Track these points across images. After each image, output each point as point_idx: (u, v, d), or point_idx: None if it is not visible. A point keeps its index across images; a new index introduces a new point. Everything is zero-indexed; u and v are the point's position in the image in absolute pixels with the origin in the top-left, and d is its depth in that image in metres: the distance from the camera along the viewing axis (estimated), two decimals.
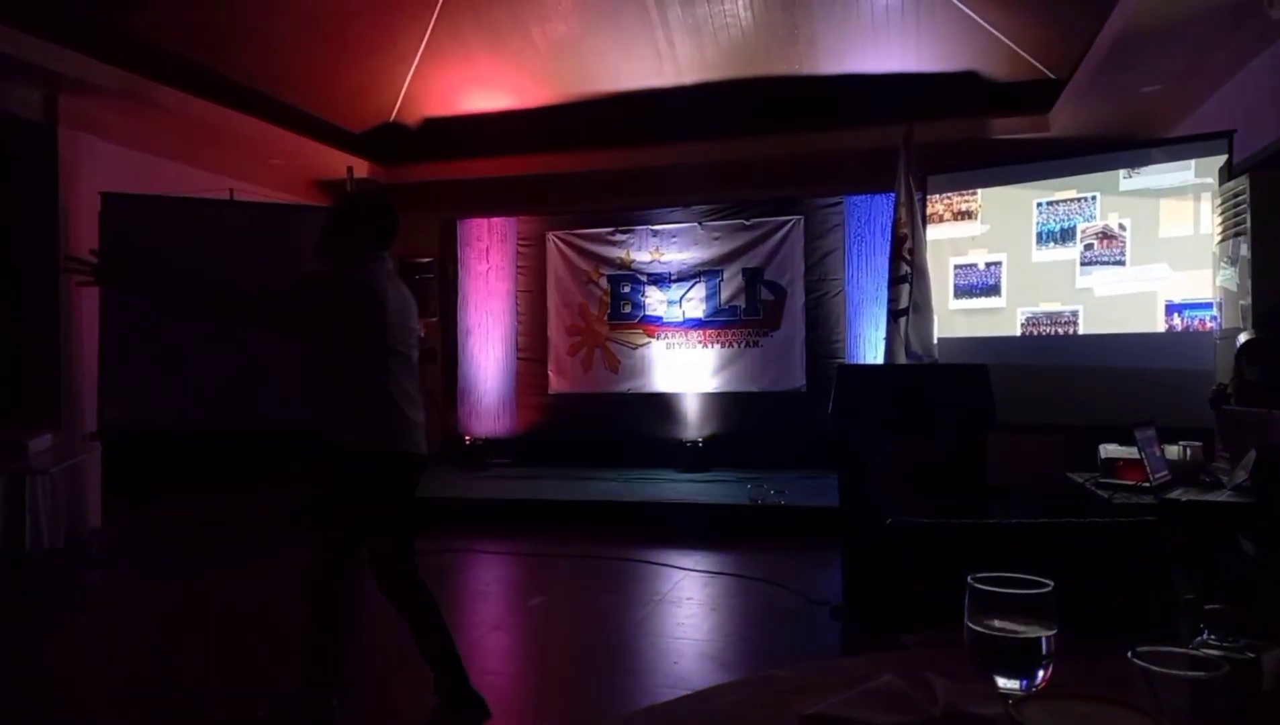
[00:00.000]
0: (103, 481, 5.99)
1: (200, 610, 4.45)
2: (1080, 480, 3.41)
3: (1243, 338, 3.58)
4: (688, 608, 4.37)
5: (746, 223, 7.91)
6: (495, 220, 8.55)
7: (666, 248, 8.10)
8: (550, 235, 8.36)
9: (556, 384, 8.34)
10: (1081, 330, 5.34)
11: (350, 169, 6.93)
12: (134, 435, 5.98)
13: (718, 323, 7.97)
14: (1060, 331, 5.43)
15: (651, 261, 8.13)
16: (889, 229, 5.98)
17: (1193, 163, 4.92)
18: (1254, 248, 3.76)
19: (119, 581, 5.15)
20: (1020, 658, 0.88)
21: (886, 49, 6.46)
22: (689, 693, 1.13)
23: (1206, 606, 0.96)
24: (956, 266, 5.91)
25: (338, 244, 2.87)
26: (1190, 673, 0.79)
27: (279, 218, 6.90)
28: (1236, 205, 3.93)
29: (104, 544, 5.69)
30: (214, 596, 4.69)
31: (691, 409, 8.02)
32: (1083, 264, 5.35)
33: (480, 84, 7.23)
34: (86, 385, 5.92)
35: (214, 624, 4.21)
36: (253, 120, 6.53)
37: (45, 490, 5.31)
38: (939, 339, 5.64)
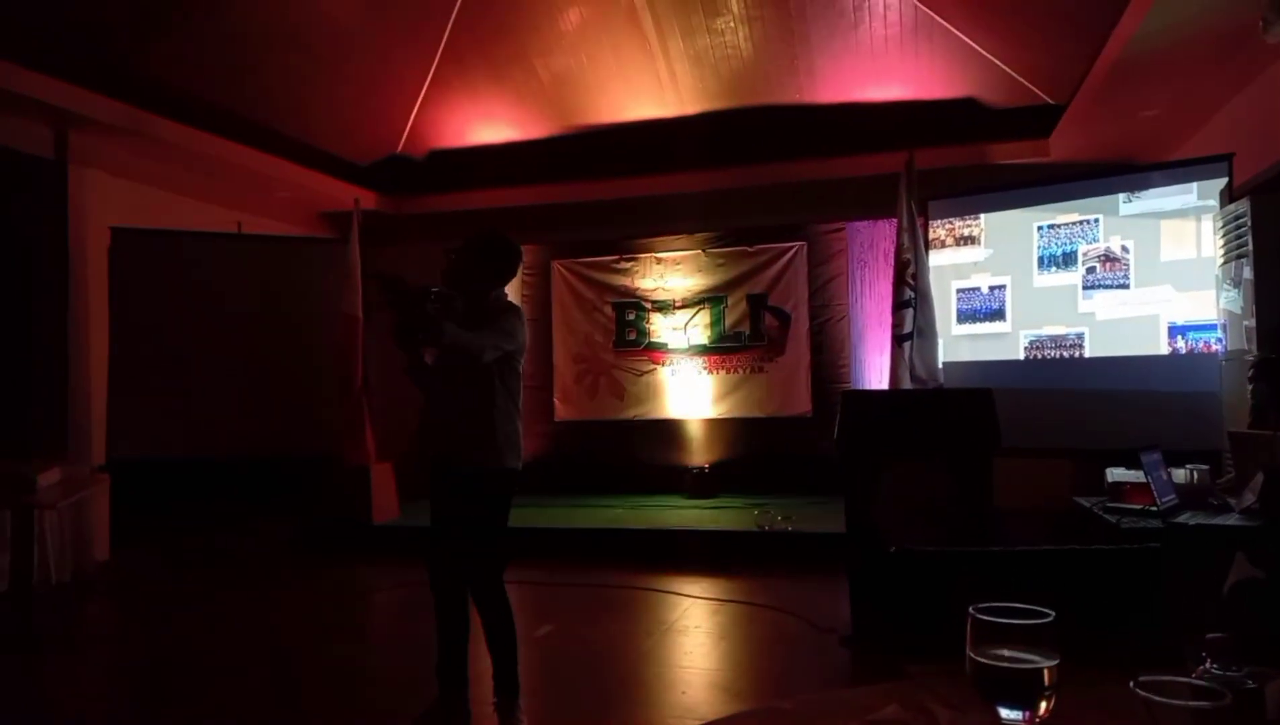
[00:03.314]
0: (110, 514, 6.00)
1: (206, 645, 4.44)
2: (1088, 504, 3.40)
3: (1250, 357, 3.58)
4: (695, 636, 4.35)
5: (750, 249, 7.95)
6: None
7: (671, 275, 8.13)
8: (555, 264, 8.41)
9: (563, 412, 8.35)
10: (1086, 353, 5.34)
11: (357, 201, 7.01)
12: (141, 467, 6.00)
13: (722, 349, 7.99)
14: (1064, 355, 5.43)
15: (656, 288, 8.16)
16: (892, 254, 6.02)
17: (1194, 186, 4.95)
18: (1257, 269, 3.77)
19: (126, 616, 5.15)
20: (1022, 688, 0.88)
21: (886, 77, 6.53)
22: (698, 723, 1.13)
23: (1209, 635, 0.96)
24: (959, 291, 5.93)
25: (473, 277, 3.12)
26: (1193, 702, 0.79)
27: (287, 250, 6.98)
28: (1238, 228, 3.95)
29: (112, 578, 5.70)
30: (220, 630, 4.68)
31: (697, 435, 8.01)
32: (1085, 287, 5.36)
33: (485, 116, 7.32)
34: (95, 418, 5.95)
35: (219, 659, 4.20)
36: (259, 154, 6.61)
37: (53, 525, 5.32)
38: (943, 363, 5.65)
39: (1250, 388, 3.41)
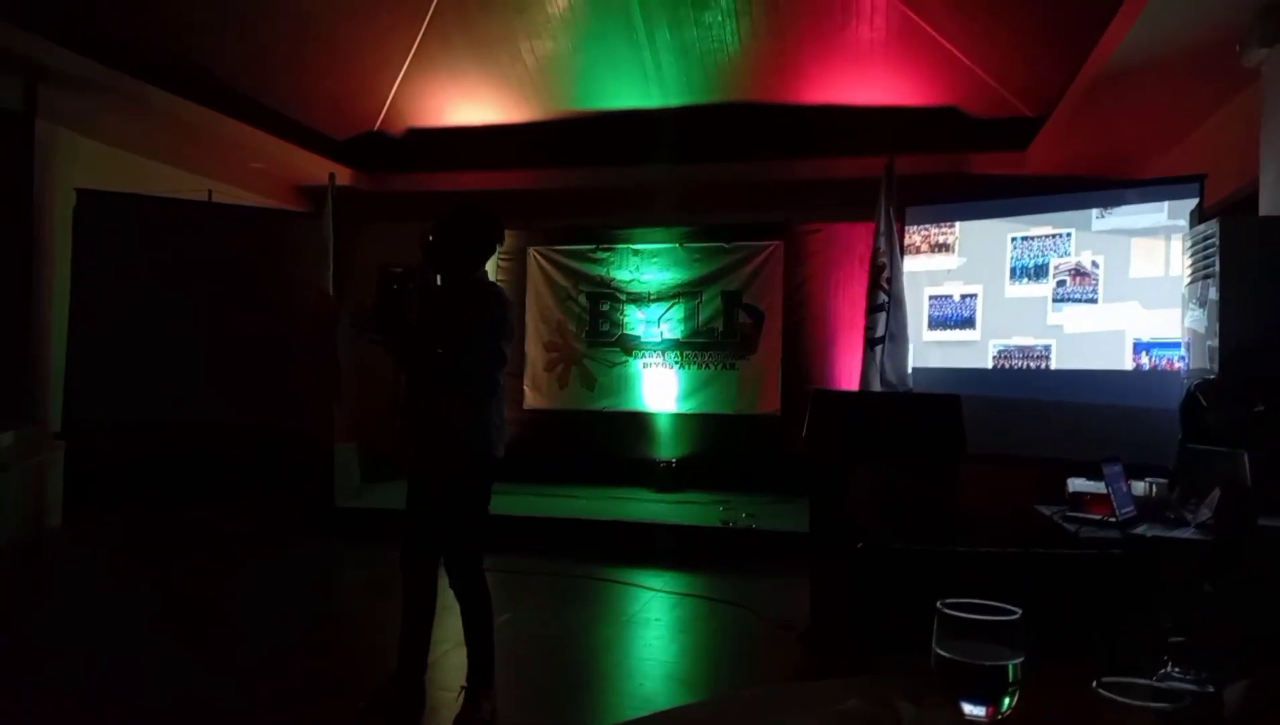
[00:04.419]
0: (65, 482, 5.87)
1: (155, 615, 4.36)
2: (1048, 512, 3.43)
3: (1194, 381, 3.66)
4: (655, 628, 4.35)
5: (727, 246, 7.96)
6: None
7: (647, 267, 8.12)
8: (531, 250, 8.35)
9: (531, 400, 8.30)
10: (1053, 365, 5.41)
11: (332, 175, 6.90)
12: (100, 435, 5.88)
13: (695, 344, 7.99)
14: (1032, 365, 5.50)
15: (631, 280, 8.14)
16: (867, 258, 6.05)
17: (1165, 205, 5.03)
18: (1222, 291, 3.83)
19: (73, 583, 5.04)
20: (987, 684, 0.88)
21: (870, 80, 6.56)
22: (654, 712, 1.12)
23: (1170, 639, 0.97)
24: (932, 298, 5.98)
25: (454, 255, 3.06)
26: (1154, 704, 0.80)
27: (257, 221, 6.85)
28: (1206, 248, 4.01)
29: (63, 544, 5.58)
30: (172, 600, 4.60)
31: (666, 429, 8.01)
32: (1055, 300, 5.43)
33: (466, 96, 7.24)
34: (52, 384, 5.81)
35: (168, 629, 4.13)
36: (234, 122, 6.48)
37: (5, 487, 5.20)
38: (913, 369, 5.69)
39: (1187, 408, 3.48)
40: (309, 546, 6.05)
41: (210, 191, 6.86)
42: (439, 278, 3.13)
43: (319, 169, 7.18)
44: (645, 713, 1.12)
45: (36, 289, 5.72)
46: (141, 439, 5.94)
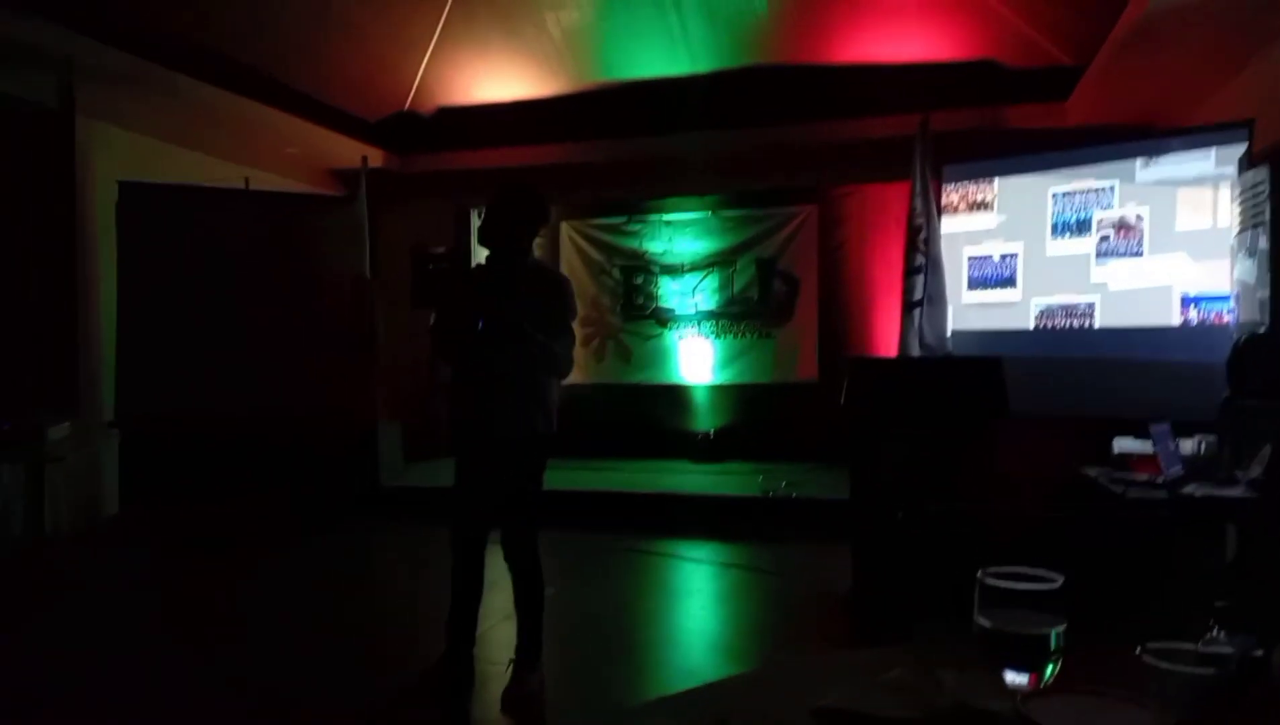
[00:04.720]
0: (121, 471, 6.04)
1: (214, 600, 4.50)
2: (1094, 474, 3.38)
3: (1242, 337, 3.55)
4: (698, 599, 4.39)
5: (760, 212, 7.88)
6: None
7: (680, 238, 8.07)
8: (564, 225, 8.35)
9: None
10: (1097, 323, 5.30)
11: (365, 158, 6.95)
12: (151, 423, 6.02)
13: (730, 314, 7.95)
14: (1076, 324, 5.38)
15: (664, 252, 8.11)
16: (903, 219, 5.95)
17: (1212, 151, 4.86)
18: (1273, 239, 3.72)
19: (135, 569, 5.21)
20: (1029, 652, 0.88)
21: (903, 36, 6.40)
22: (700, 684, 1.14)
23: (1216, 603, 0.96)
24: (971, 258, 5.87)
25: (512, 236, 3.08)
26: (1199, 669, 0.79)
27: (293, 207, 6.94)
28: (1256, 195, 3.89)
29: (121, 532, 5.76)
30: (228, 585, 4.74)
31: (703, 400, 8.01)
32: (1099, 256, 5.30)
33: (494, 73, 7.22)
34: (104, 374, 5.97)
35: (226, 613, 4.26)
36: (267, 109, 6.54)
37: (63, 478, 5.37)
38: (953, 331, 5.61)
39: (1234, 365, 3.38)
40: (356, 526, 6.17)
41: (247, 179, 6.95)
42: (485, 258, 3.15)
43: (352, 152, 7.23)
44: (690, 685, 1.14)
45: (82, 282, 5.85)
46: (191, 426, 6.07)
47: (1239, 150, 4.64)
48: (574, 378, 8.48)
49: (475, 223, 8.66)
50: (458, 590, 3.16)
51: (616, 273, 8.22)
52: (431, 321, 3.22)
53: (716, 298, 7.98)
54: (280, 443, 6.20)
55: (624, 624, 4.05)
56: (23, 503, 5.08)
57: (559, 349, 3.09)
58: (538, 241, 3.21)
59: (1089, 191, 5.35)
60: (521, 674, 3.08)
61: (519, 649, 3.12)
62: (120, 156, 6.17)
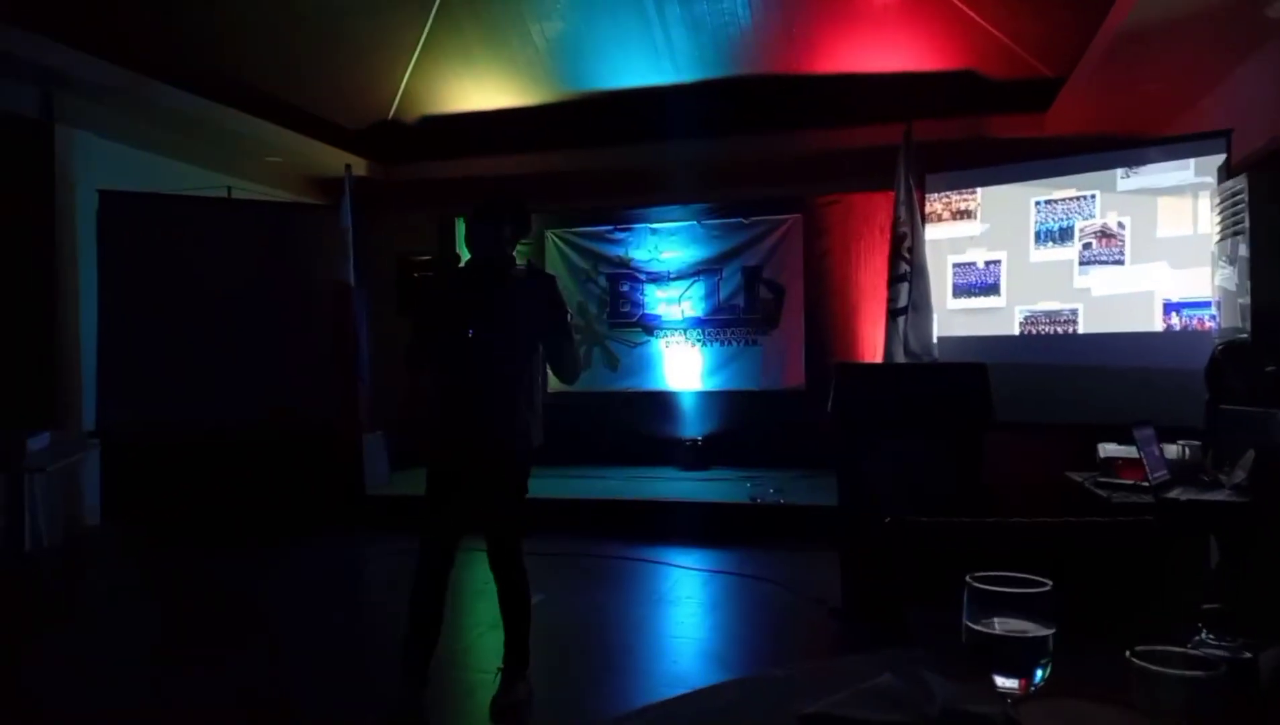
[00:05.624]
0: (102, 483, 5.97)
1: (196, 612, 4.45)
2: (1079, 479, 3.41)
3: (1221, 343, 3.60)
4: (687, 606, 4.37)
5: (745, 221, 7.91)
6: None
7: (665, 246, 8.09)
8: (549, 234, 8.35)
9: (555, 383, 8.31)
10: (1081, 329, 5.34)
11: (348, 167, 6.92)
12: (132, 433, 5.97)
13: (717, 321, 7.97)
14: (1059, 330, 5.43)
15: (650, 260, 8.12)
16: (888, 227, 5.99)
17: (1191, 162, 4.92)
18: (1253, 247, 3.76)
19: (116, 582, 5.15)
20: (1019, 657, 0.88)
21: (885, 47, 6.45)
22: (687, 691, 1.13)
23: (1204, 606, 0.96)
24: (955, 265, 5.91)
25: (500, 242, 3.05)
26: (1188, 672, 0.79)
27: (276, 216, 6.90)
28: (1235, 204, 3.93)
29: (102, 543, 5.69)
30: (210, 597, 4.69)
31: (690, 408, 8.01)
32: (1081, 263, 5.35)
33: (479, 81, 7.22)
34: (84, 384, 5.91)
35: (209, 625, 4.21)
36: (250, 118, 6.52)
37: (43, 489, 5.30)
38: (938, 338, 5.64)
39: (1211, 370, 3.42)
40: (340, 536, 6.12)
41: (229, 188, 6.91)
42: (466, 264, 3.14)
43: (335, 160, 7.21)
44: (679, 692, 1.13)
45: (61, 291, 5.80)
46: (173, 436, 6.02)
47: (1217, 160, 4.70)
48: (559, 385, 8.52)
49: (461, 231, 8.67)
50: (417, 615, 2.97)
51: (602, 280, 8.22)
52: (411, 328, 3.14)
53: (703, 305, 8.00)
54: (263, 451, 6.15)
55: (612, 631, 4.04)
56: (3, 516, 5.01)
57: (569, 349, 3.12)
58: (519, 248, 3.18)
59: (1071, 200, 5.40)
60: (509, 682, 3.06)
61: (506, 657, 3.10)
62: (101, 165, 6.12)
